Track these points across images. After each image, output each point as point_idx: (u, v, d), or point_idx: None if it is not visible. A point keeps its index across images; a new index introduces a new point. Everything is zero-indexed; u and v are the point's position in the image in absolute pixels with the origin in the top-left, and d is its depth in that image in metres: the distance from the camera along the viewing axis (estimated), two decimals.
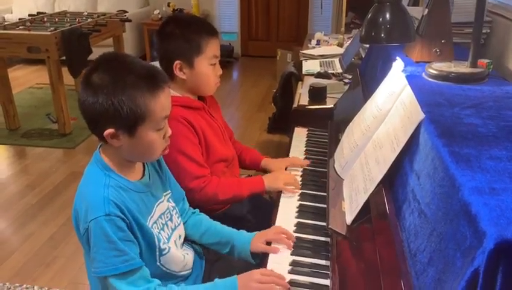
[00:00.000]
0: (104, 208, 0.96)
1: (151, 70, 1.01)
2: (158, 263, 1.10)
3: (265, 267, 1.11)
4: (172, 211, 1.19)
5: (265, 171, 1.66)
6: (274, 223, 1.27)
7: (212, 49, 1.42)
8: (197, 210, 1.32)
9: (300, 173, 1.55)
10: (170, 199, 1.20)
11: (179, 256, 1.16)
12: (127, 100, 0.95)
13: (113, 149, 1.02)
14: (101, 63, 1.00)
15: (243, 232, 1.25)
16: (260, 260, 1.19)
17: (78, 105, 1.00)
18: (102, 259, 0.97)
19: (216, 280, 1.08)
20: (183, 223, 1.26)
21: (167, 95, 1.04)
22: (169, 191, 1.21)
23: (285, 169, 1.59)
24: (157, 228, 1.09)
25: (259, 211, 1.57)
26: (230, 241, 1.23)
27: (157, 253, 1.09)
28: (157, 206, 1.12)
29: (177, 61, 1.40)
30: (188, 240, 1.27)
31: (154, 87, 0.99)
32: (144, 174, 1.11)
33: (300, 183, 1.47)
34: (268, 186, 1.46)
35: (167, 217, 1.15)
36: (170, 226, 1.15)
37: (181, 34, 1.39)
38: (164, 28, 1.43)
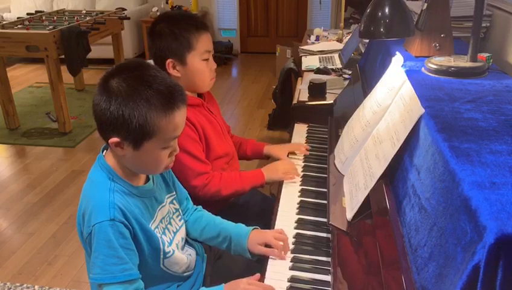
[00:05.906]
0: (109, 213, 0.95)
1: (170, 88, 0.97)
2: (162, 266, 1.09)
3: (267, 263, 1.11)
4: (173, 214, 1.17)
5: (268, 157, 1.69)
6: (275, 219, 1.27)
7: (203, 45, 1.41)
8: (200, 207, 1.31)
9: (301, 165, 1.55)
10: (174, 201, 1.19)
11: (183, 258, 1.15)
12: (138, 115, 0.93)
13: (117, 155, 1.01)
14: (122, 69, 0.97)
15: (241, 226, 1.23)
16: (258, 258, 1.17)
17: (92, 105, 0.99)
18: (102, 265, 0.95)
19: (202, 288, 1.07)
20: (186, 221, 1.25)
21: (183, 115, 1.00)
22: (174, 192, 1.20)
23: (288, 155, 1.61)
24: (159, 233, 1.08)
25: (261, 208, 1.57)
26: (228, 235, 1.21)
27: (162, 256, 1.08)
28: (159, 210, 1.11)
29: (169, 60, 1.39)
30: (189, 239, 1.26)
31: (170, 106, 0.96)
32: (148, 179, 1.10)
33: (301, 178, 1.47)
34: (268, 178, 1.47)
35: (166, 221, 1.13)
36: (171, 229, 1.14)
37: (170, 32, 1.38)
38: (154, 27, 1.42)
